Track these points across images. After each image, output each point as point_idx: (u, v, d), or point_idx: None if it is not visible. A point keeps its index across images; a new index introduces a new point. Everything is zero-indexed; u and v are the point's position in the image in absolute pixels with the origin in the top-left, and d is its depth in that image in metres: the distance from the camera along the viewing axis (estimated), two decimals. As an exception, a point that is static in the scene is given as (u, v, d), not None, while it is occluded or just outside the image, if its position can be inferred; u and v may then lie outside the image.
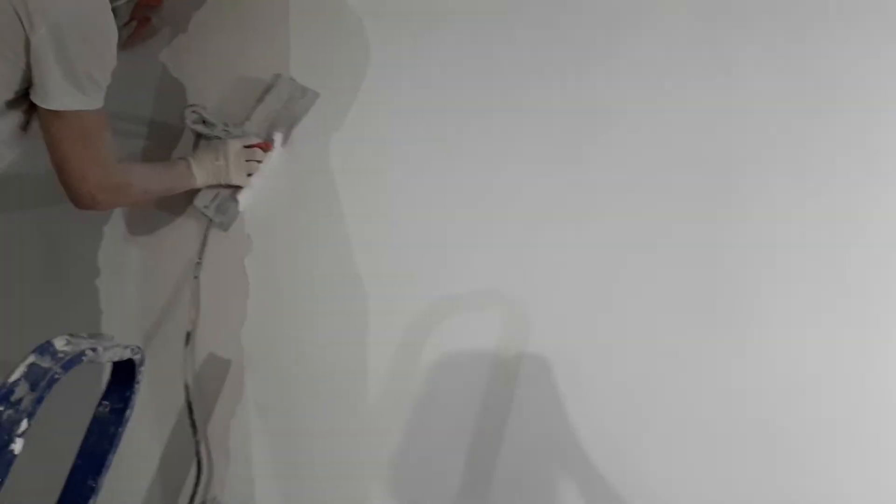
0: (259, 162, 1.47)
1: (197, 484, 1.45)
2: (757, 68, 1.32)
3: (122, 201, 1.42)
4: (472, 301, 1.40)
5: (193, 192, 1.48)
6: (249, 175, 1.47)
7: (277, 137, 1.50)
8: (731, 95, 1.33)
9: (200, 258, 1.50)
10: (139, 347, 1.10)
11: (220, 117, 1.49)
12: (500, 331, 1.37)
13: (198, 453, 1.46)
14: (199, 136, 1.49)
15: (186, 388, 1.46)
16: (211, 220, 1.49)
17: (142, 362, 1.12)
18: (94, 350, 0.97)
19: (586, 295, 1.34)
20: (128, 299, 1.57)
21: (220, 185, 1.47)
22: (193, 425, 1.45)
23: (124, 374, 1.11)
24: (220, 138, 1.46)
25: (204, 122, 1.47)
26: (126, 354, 1.07)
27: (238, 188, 1.48)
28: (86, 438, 1.09)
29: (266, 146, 1.48)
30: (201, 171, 1.44)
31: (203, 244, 1.50)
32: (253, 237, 1.52)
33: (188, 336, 1.48)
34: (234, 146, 1.45)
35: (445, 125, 1.44)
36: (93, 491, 1.07)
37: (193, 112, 1.46)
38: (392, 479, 1.40)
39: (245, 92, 1.54)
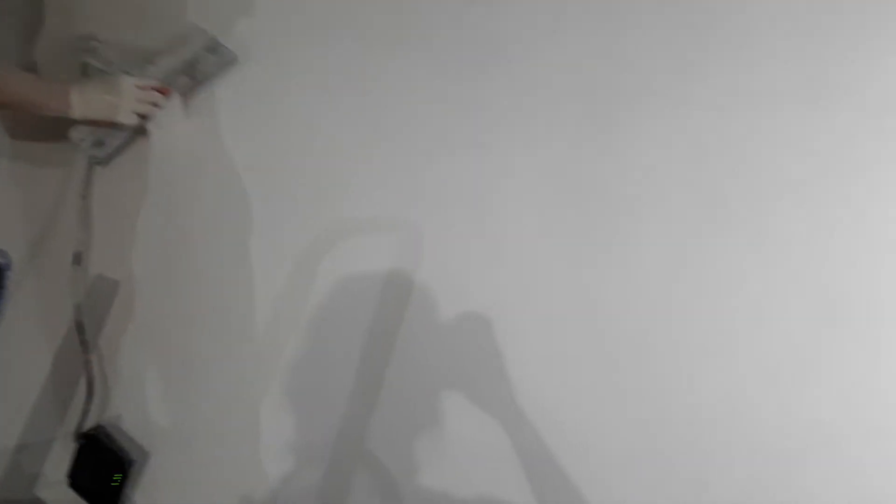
0: (155, 105, 1.45)
1: (87, 405, 1.50)
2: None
3: None
4: (364, 225, 1.44)
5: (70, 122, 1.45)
6: (142, 116, 1.45)
7: (181, 88, 1.48)
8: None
9: (86, 190, 1.51)
10: (5, 252, 1.15)
11: (118, 54, 1.49)
12: (392, 255, 1.42)
13: (88, 374, 1.50)
14: (86, 67, 1.49)
15: (77, 308, 1.49)
16: (87, 153, 1.48)
17: (8, 267, 1.17)
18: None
19: (471, 222, 1.39)
20: (10, 217, 1.59)
21: (101, 122, 1.44)
22: (84, 345, 1.50)
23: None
24: (111, 74, 1.45)
25: (98, 54, 1.49)
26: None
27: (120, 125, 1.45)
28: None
29: (164, 90, 1.45)
30: (83, 103, 1.39)
31: (88, 173, 1.52)
32: (144, 166, 1.55)
33: (77, 256, 1.51)
34: (128, 83, 1.42)
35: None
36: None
37: (89, 42, 1.48)
38: (283, 398, 1.45)
39: (154, 37, 1.54)
